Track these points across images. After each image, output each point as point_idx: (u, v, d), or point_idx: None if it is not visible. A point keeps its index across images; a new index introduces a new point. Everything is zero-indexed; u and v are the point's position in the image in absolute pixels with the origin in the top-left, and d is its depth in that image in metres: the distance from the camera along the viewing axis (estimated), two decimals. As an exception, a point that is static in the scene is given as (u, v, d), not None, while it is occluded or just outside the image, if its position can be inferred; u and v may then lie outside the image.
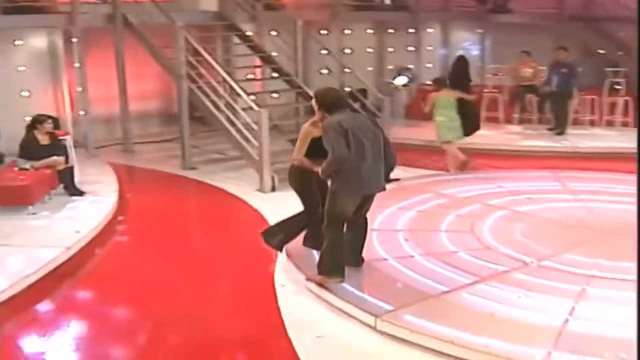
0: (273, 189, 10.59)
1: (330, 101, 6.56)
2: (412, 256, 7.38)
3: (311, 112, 7.11)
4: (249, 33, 14.38)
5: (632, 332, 4.62)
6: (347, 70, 14.85)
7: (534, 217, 8.76)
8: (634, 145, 13.09)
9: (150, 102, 15.66)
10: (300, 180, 7.07)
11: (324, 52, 16.55)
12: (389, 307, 5.99)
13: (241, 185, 10.83)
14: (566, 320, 5.79)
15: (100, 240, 8.21)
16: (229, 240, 8.68)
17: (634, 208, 8.75)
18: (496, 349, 5.30)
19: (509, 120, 15.71)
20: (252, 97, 11.41)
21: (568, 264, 7.08)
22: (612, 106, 15.37)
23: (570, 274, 6.81)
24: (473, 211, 9.01)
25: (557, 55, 14.92)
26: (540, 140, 13.96)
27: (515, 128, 15.30)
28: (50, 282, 6.96)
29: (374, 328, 5.86)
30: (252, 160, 10.85)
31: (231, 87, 11.71)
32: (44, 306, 6.60)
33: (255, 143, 10.66)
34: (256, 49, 13.90)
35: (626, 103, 15.16)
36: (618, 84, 15.84)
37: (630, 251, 7.35)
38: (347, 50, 17.81)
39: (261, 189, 10.55)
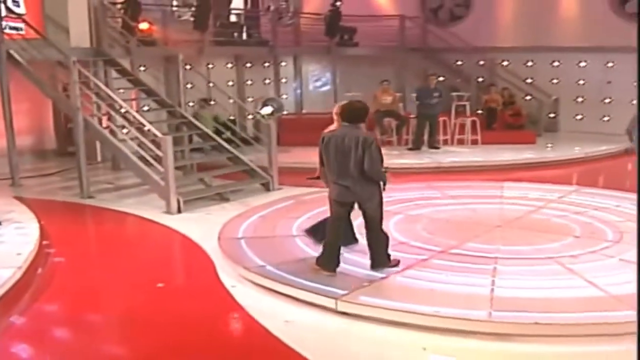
0: (179, 211, 11.20)
1: (345, 113, 7.40)
2: (341, 254, 8.33)
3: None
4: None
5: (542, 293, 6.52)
6: (215, 101, 15.89)
7: (427, 218, 10.03)
8: (485, 159, 15.01)
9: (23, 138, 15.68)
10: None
11: (188, 86, 17.47)
12: (344, 291, 6.93)
13: (147, 210, 11.35)
14: (492, 289, 7.01)
15: (40, 261, 8.59)
16: (160, 255, 9.31)
17: (508, 206, 10.45)
18: (447, 313, 6.40)
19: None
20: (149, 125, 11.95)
21: (474, 250, 8.36)
22: (461, 126, 17.18)
23: (480, 258, 8.09)
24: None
25: (429, 81, 16.87)
26: (406, 159, 15.40)
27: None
28: (11, 298, 7.35)
29: (335, 310, 6.77)
30: (157, 185, 11.42)
31: (124, 117, 12.26)
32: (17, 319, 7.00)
33: (161, 168, 11.26)
34: (136, 82, 14.41)
35: (474, 123, 17.02)
36: (463, 106, 17.68)
37: (518, 237, 8.88)
38: (211, 84, 18.64)
39: (168, 211, 11.14)
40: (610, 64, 18.92)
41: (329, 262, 7.59)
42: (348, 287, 7.07)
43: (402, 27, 20.80)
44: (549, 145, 17.21)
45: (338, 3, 19.81)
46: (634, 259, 7.78)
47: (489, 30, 20.50)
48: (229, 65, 19.52)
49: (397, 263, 7.74)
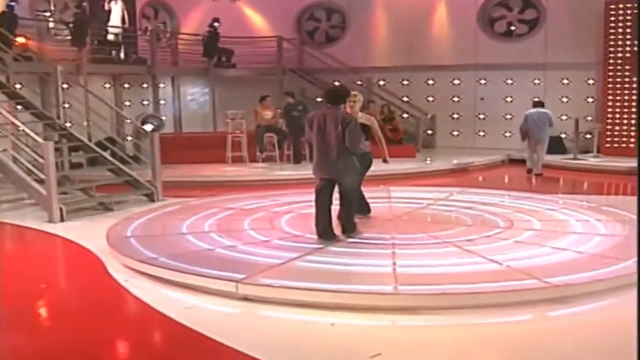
0: (62, 220, 10.72)
1: (327, 95, 8.34)
2: (235, 246, 8.20)
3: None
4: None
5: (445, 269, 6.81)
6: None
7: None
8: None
9: None
10: None
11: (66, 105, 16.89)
12: (244, 275, 6.76)
13: (27, 220, 10.82)
14: (394, 268, 7.02)
15: None
16: (45, 260, 8.85)
17: (397, 204, 10.57)
18: (353, 289, 6.35)
19: (253, 160, 16.93)
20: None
21: (372, 238, 8.39)
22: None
23: (377, 244, 8.11)
24: (265, 216, 10.03)
25: (287, 100, 17.06)
26: (287, 170, 15.43)
27: (261, 165, 16.60)
28: None
29: (236, 294, 6.58)
30: (38, 194, 10.90)
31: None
32: None
33: (42, 176, 10.77)
34: (13, 95, 13.75)
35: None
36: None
37: (411, 228, 8.99)
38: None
39: (51, 220, 10.63)
40: (482, 81, 19.65)
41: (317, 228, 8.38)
42: (248, 273, 6.90)
43: (280, 49, 20.86)
44: (428, 158, 17.61)
45: (216, 24, 19.71)
46: (528, 240, 8.06)
47: (365, 51, 20.97)
48: (107, 86, 18.99)
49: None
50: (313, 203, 8.47)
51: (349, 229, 8.50)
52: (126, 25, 19.06)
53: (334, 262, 7.33)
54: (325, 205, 8.35)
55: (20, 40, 15.36)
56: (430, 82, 20.32)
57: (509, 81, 19.34)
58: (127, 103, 19.28)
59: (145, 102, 19.84)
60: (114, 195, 12.30)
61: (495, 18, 19.68)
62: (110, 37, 18.79)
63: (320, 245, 8.07)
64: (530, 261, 7.26)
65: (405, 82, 20.59)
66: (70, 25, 16.67)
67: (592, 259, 7.45)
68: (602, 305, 6.34)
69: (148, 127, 16.75)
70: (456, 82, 19.99)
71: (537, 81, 18.85)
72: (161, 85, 20.31)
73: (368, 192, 10.05)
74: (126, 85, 19.28)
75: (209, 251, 7.99)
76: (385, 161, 9.88)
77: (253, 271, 6.96)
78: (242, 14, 21.84)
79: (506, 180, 15.86)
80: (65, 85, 16.90)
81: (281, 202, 11.16)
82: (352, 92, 9.20)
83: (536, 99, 16.07)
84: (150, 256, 7.71)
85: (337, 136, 7.98)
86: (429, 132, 20.34)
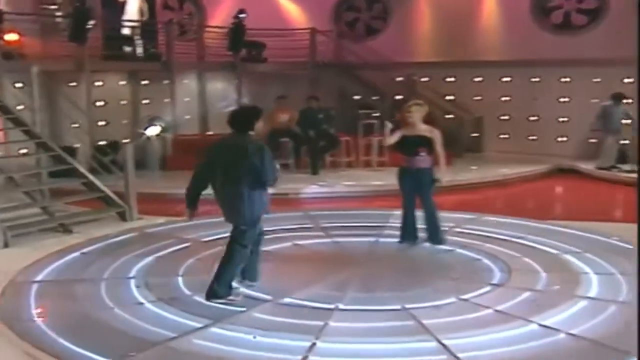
0: (6, 245, 9.39)
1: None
2: (142, 303, 6.59)
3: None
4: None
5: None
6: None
7: (282, 255, 8.27)
8: (386, 182, 13.36)
9: None
10: None
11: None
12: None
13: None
14: (305, 358, 5.25)
15: None
16: None
17: (386, 240, 8.74)
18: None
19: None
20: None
21: (312, 298, 6.60)
22: (368, 147, 15.56)
23: (313, 309, 6.33)
24: (216, 253, 8.35)
25: (309, 104, 15.33)
26: (296, 183, 13.68)
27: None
28: None
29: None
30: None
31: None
32: None
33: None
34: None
35: (379, 143, 15.38)
36: (371, 125, 16.06)
37: (379, 279, 7.21)
38: (100, 103, 16.87)
39: (-10, 246, 9.33)
40: (535, 79, 17.44)
41: None
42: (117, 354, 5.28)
43: (313, 42, 19.09)
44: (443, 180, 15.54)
45: (241, 15, 18.09)
46: (515, 309, 6.19)
47: (407, 45, 19.04)
48: (122, 83, 17.71)
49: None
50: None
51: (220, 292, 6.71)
52: (144, 18, 17.68)
53: (234, 342, 5.63)
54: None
55: (11, 37, 14.13)
56: (478, 79, 18.20)
57: (565, 79, 17.06)
58: (146, 101, 17.92)
59: (167, 100, 18.42)
60: (77, 213, 10.98)
61: (550, 8, 17.41)
62: (126, 31, 17.44)
63: (243, 309, 6.37)
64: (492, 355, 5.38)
65: (451, 79, 18.50)
66: (68, 19, 15.29)
67: (585, 352, 5.49)
68: None
69: (154, 130, 15.31)
70: (506, 79, 17.79)
71: (596, 79, 16.48)
72: (184, 81, 18.90)
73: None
74: (144, 82, 17.92)
75: (106, 311, 6.41)
76: (437, 181, 8.43)
77: (123, 351, 5.33)
78: (276, 4, 20.21)
79: (542, 201, 13.66)
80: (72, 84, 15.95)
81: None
82: (410, 102, 8.43)
83: (615, 93, 15.10)
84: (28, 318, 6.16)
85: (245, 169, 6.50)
86: (475, 134, 18.23)
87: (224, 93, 19.60)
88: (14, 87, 14.50)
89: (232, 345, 5.54)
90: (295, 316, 6.18)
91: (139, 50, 17.53)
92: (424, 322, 5.98)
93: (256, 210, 6.60)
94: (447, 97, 18.37)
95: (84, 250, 8.75)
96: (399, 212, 8.98)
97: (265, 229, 8.82)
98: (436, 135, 8.43)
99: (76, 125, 15.40)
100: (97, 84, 16.87)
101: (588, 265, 7.74)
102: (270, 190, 6.76)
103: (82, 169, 11.58)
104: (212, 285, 6.65)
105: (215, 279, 6.66)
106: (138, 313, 6.32)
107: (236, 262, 6.71)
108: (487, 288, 6.95)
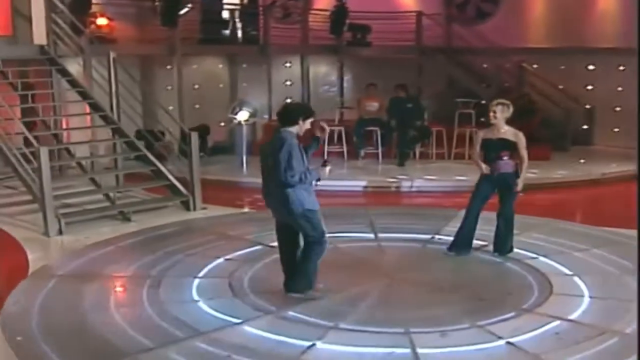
0: (60, 233, 9.50)
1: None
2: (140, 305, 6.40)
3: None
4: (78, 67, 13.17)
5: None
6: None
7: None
8: (471, 178, 12.59)
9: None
10: None
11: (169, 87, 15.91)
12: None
13: (30, 229, 9.71)
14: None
15: None
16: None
17: (433, 247, 8.15)
18: None
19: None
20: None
21: (316, 313, 6.20)
22: (462, 138, 14.79)
23: (310, 326, 5.93)
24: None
25: (397, 93, 14.73)
26: (373, 175, 13.19)
27: (360, 163, 14.48)
28: None
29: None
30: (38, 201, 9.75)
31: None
32: None
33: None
34: (74, 84, 12.71)
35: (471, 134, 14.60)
36: (469, 115, 15.27)
37: (397, 295, 6.68)
38: (196, 86, 17.00)
39: (46, 232, 9.46)
40: (654, 68, 15.98)
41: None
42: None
43: (419, 25, 18.32)
44: (582, 160, 14.64)
45: (344, -2, 17.69)
46: (529, 343, 5.53)
47: (518, 29, 17.95)
48: (221, 66, 17.75)
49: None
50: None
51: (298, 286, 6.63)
52: (245, 1, 17.61)
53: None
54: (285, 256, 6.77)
55: (102, 21, 14.35)
56: (591, 67, 16.91)
57: (690, 68, 15.51)
58: (244, 84, 17.88)
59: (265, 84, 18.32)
60: (141, 202, 11.02)
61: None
62: (225, 14, 17.44)
63: (238, 320, 6.01)
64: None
65: (562, 67, 17.29)
66: (160, 4, 15.35)
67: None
68: None
69: (244, 115, 15.22)
70: (622, 68, 16.41)
71: None
72: (287, 64, 18.73)
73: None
74: (244, 65, 17.89)
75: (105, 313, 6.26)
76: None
77: None
78: (385, -15, 19.54)
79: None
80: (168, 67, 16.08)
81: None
82: (495, 101, 7.79)
83: None
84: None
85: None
86: (585, 127, 16.99)
87: (326, 77, 19.33)
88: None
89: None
90: (286, 333, 5.77)
91: (239, 33, 17.50)
92: (420, 351, 5.41)
93: (296, 204, 6.33)
94: (558, 86, 17.17)
95: (121, 244, 8.66)
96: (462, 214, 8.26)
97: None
98: (521, 139, 7.76)
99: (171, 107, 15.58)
100: (193, 67, 17.03)
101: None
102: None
103: (151, 156, 11.58)
104: (293, 277, 6.59)
105: (297, 273, 6.60)
106: (127, 318, 6.11)
107: (312, 258, 6.53)
108: (512, 313, 6.23)
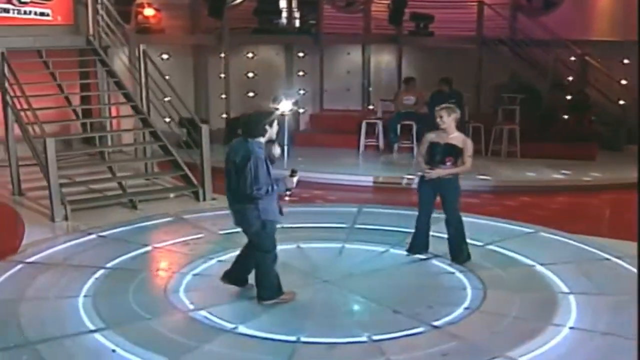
0: (66, 218, 10.10)
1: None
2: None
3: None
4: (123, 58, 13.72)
5: None
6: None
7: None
8: (494, 177, 12.42)
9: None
10: None
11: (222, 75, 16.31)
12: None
13: (42, 213, 10.36)
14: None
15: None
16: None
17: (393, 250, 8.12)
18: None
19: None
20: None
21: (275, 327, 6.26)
22: (501, 135, 14.52)
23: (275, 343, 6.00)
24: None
25: (440, 87, 14.59)
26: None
27: (395, 157, 14.47)
28: None
29: None
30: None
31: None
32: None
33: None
34: (111, 74, 13.26)
35: (511, 132, 14.28)
36: (512, 112, 14.91)
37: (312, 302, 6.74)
38: (250, 74, 17.36)
39: (52, 218, 10.08)
40: None
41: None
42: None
43: (480, 16, 17.85)
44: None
45: (402, -13, 17.51)
46: None
47: (584, 20, 17.26)
48: (276, 54, 18.02)
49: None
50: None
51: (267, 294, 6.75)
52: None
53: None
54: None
55: (149, 12, 14.88)
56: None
57: None
58: (300, 73, 18.10)
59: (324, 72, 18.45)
60: (151, 191, 11.50)
61: None
62: (282, 3, 17.66)
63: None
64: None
65: (626, 61, 16.50)
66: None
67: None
68: None
69: (287, 106, 15.36)
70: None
71: None
72: (347, 53, 18.80)
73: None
74: (300, 54, 18.08)
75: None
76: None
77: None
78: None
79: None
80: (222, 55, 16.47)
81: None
82: (441, 106, 7.80)
83: None
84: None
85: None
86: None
87: (387, 67, 19.21)
88: (161, 59, 15.44)
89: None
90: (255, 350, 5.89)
91: (296, 22, 17.69)
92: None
93: (261, 216, 6.46)
94: (619, 81, 16.42)
95: (104, 233, 9.08)
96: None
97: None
98: (468, 146, 7.75)
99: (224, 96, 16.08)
100: (248, 55, 17.37)
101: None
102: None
103: (170, 147, 11.99)
104: (258, 290, 6.74)
105: (258, 285, 6.74)
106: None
107: (266, 269, 6.68)
108: (421, 329, 6.16)
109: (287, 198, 6.85)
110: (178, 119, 13.14)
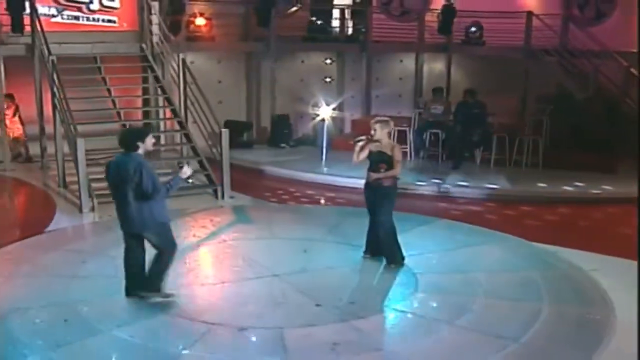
0: (92, 210, 11.44)
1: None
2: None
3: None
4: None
5: None
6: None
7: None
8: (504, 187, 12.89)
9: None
10: None
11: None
12: None
13: (74, 204, 11.78)
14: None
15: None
16: None
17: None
18: None
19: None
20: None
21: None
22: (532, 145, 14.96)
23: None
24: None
25: (465, 98, 15.11)
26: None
27: (421, 164, 15.13)
28: None
29: None
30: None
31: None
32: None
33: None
34: (157, 80, 14.51)
35: (534, 142, 14.69)
36: (540, 122, 15.28)
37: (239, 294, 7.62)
38: (300, 79, 18.34)
39: (80, 209, 11.43)
40: None
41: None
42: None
43: (529, 26, 18.14)
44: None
45: (452, -1, 18.11)
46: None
47: (631, 31, 17.21)
48: (328, 61, 18.96)
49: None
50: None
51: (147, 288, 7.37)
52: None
53: None
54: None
55: (200, 21, 16.07)
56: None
57: None
58: (352, 79, 18.98)
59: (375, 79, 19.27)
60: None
61: None
62: (335, 12, 18.60)
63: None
64: None
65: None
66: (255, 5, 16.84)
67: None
68: None
69: (327, 111, 16.17)
70: None
71: None
72: (400, 61, 19.55)
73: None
74: (352, 62, 18.95)
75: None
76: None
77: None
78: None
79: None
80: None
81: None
82: (374, 120, 8.60)
83: None
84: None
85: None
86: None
87: (439, 74, 19.75)
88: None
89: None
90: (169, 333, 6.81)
91: (349, 31, 18.57)
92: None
93: (146, 219, 7.12)
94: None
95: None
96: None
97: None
98: (396, 153, 8.53)
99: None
100: (300, 61, 18.39)
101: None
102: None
103: (197, 148, 13.16)
104: (145, 281, 7.34)
105: (148, 277, 7.35)
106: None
107: (165, 265, 7.30)
108: (332, 322, 6.97)
109: (190, 181, 7.74)
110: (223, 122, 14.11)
